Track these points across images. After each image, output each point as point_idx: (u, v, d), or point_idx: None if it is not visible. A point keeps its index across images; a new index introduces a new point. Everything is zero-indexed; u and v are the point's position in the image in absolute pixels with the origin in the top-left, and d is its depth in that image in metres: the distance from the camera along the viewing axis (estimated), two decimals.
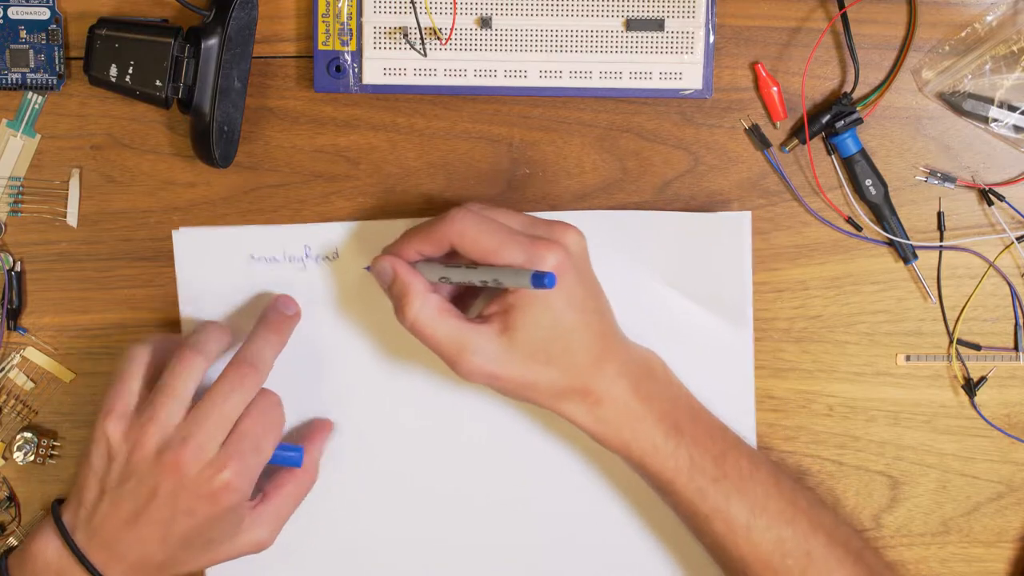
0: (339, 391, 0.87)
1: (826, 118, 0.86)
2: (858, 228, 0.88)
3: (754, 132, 0.87)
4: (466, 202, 0.81)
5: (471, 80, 0.86)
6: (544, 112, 0.87)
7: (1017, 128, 0.86)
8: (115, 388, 0.81)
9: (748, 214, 0.87)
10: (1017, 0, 0.86)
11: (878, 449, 0.90)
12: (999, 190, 0.88)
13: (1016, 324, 0.89)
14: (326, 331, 0.87)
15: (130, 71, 0.82)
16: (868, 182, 0.87)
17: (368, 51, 0.85)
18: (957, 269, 0.89)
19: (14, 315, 0.87)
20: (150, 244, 0.87)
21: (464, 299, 0.86)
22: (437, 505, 0.89)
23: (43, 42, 0.85)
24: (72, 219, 0.87)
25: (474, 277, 0.79)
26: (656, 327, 0.86)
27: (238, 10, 0.82)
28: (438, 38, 0.85)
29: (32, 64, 0.85)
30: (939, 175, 0.88)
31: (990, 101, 0.86)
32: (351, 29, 0.85)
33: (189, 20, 0.84)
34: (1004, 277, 0.89)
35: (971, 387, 0.89)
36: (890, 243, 0.88)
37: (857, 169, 0.87)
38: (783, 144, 0.88)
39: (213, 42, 0.82)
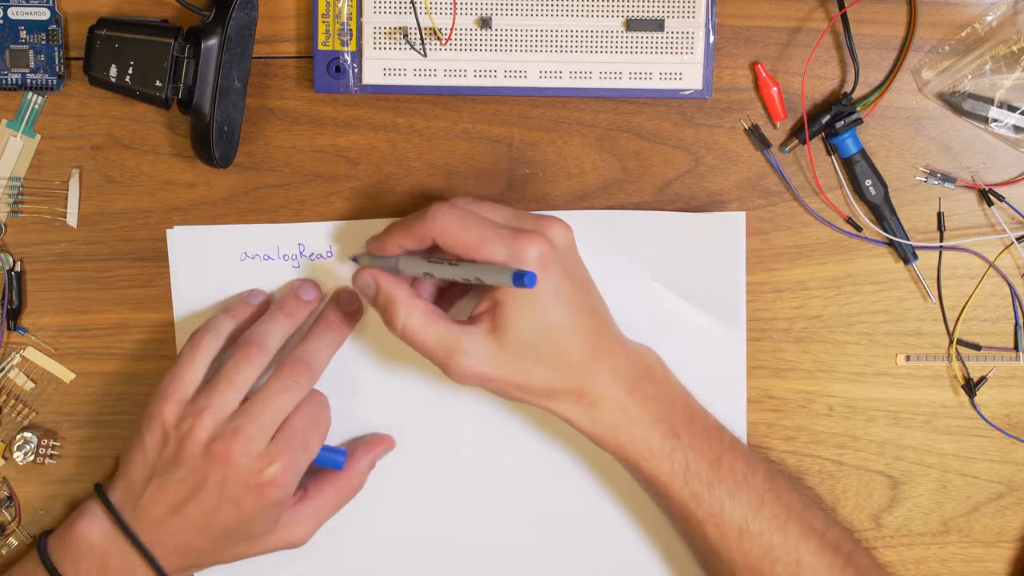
0: (332, 392, 0.87)
1: (826, 118, 0.86)
2: (858, 228, 0.88)
3: (754, 132, 0.87)
4: (452, 196, 0.81)
5: (471, 80, 0.85)
6: (544, 112, 0.87)
7: (1017, 128, 0.86)
8: (175, 373, 0.82)
9: (743, 214, 0.87)
10: (1017, 0, 0.86)
11: (878, 449, 0.90)
12: (999, 190, 0.88)
13: (1016, 324, 0.89)
14: None
15: (130, 71, 0.82)
16: (868, 182, 0.87)
17: (368, 51, 0.85)
18: (957, 269, 0.89)
19: (14, 315, 0.87)
20: (150, 244, 0.87)
21: (452, 292, 0.85)
22: (436, 506, 0.89)
23: (43, 42, 0.85)
24: (72, 219, 0.87)
25: (456, 274, 0.79)
26: (650, 326, 0.86)
27: (238, 10, 0.82)
28: (438, 38, 0.85)
29: (32, 64, 0.85)
30: (939, 175, 0.88)
31: (990, 101, 0.86)
32: (351, 29, 0.85)
33: (189, 20, 0.84)
34: (1004, 277, 0.89)
35: (971, 387, 0.89)
36: (890, 243, 0.88)
37: (857, 169, 0.87)
38: (783, 144, 0.88)
39: (213, 42, 0.82)
